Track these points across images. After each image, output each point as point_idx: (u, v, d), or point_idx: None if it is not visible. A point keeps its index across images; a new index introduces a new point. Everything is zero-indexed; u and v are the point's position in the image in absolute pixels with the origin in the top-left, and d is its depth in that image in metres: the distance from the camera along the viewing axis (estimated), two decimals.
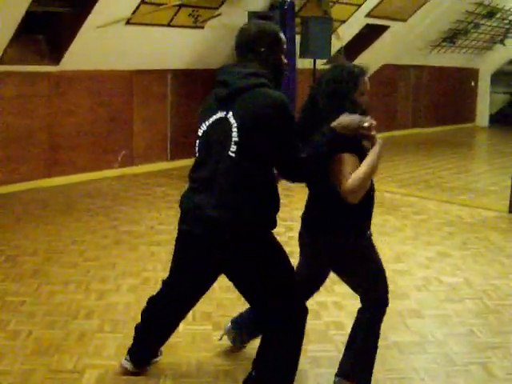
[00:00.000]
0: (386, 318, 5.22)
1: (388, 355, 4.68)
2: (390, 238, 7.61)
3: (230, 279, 3.87)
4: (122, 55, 10.35)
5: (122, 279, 6.09)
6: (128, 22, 9.74)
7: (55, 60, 9.86)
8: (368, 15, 13.28)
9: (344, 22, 12.97)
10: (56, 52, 9.83)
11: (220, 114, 3.64)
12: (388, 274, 6.23)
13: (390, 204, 9.17)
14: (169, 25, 10.21)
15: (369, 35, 14.38)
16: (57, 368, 4.43)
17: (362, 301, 4.16)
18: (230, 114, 3.60)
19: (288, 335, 3.81)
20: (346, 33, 13.26)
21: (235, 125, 3.57)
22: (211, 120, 3.67)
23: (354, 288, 4.17)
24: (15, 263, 6.53)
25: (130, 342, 4.76)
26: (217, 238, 3.63)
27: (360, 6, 12.75)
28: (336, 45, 12.80)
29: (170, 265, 4.12)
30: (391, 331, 5.05)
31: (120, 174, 10.85)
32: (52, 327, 5.06)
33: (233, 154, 3.56)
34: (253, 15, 10.46)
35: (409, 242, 7.44)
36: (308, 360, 4.59)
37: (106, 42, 9.83)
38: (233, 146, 3.56)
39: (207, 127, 3.69)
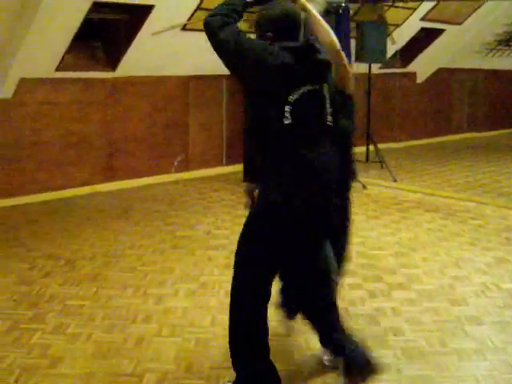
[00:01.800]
0: (444, 325, 5.21)
1: (447, 362, 4.62)
2: (447, 243, 7.53)
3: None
4: (177, 61, 10.42)
5: (179, 284, 6.12)
6: (184, 28, 9.80)
7: (112, 66, 9.96)
8: (423, 19, 13.18)
9: (399, 25, 12.88)
10: (112, 58, 9.94)
11: (311, 87, 3.85)
12: (446, 279, 6.26)
13: (446, 209, 9.08)
14: None
15: (424, 39, 14.28)
16: (116, 371, 4.47)
17: None
18: (324, 87, 3.92)
19: None
20: (400, 37, 13.17)
21: (328, 97, 3.93)
22: (301, 91, 3.81)
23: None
24: (74, 267, 6.61)
25: (188, 346, 4.83)
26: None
27: (415, 9, 12.65)
28: (391, 49, 12.75)
29: (231, 270, 4.14)
30: (450, 337, 5.01)
31: (176, 179, 10.91)
32: (111, 331, 5.11)
33: (330, 124, 3.95)
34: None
35: (466, 248, 7.36)
36: None
37: (162, 48, 9.90)
38: (328, 116, 3.93)
39: (300, 96, 3.80)
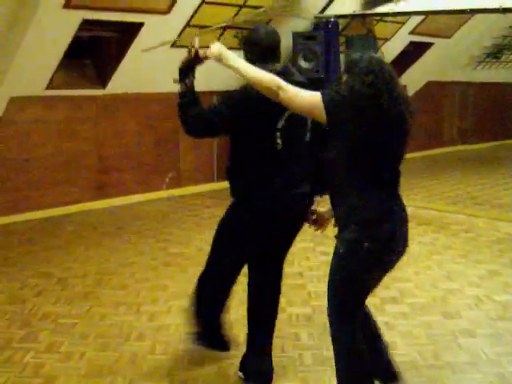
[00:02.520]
0: (437, 338, 5.22)
1: (441, 375, 4.62)
2: (440, 256, 7.55)
3: None
4: (168, 78, 10.36)
5: (172, 301, 6.11)
6: (173, 45, 9.82)
7: (102, 84, 9.97)
8: (412, 32, 13.23)
9: (388, 39, 12.94)
10: (103, 76, 9.95)
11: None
12: (439, 292, 6.27)
13: (438, 222, 9.09)
14: None
15: (413, 52, 14.33)
16: None
17: None
18: None
19: None
20: (390, 50, 13.21)
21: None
22: (286, 115, 4.11)
23: None
24: (66, 286, 6.59)
25: (181, 363, 4.81)
26: None
27: (404, 23, 12.70)
28: None
29: None
30: (443, 351, 5.01)
31: (167, 196, 10.91)
32: (104, 349, 5.09)
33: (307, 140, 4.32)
34: (297, 35, 10.49)
35: (459, 261, 7.37)
36: None
37: (152, 65, 9.91)
38: (308, 133, 4.29)
39: (285, 121, 4.14)
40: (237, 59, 3.82)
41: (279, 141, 4.15)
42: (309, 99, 3.67)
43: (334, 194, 3.88)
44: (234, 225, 4.49)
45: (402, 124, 3.67)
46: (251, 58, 4.16)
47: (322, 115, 3.63)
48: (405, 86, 14.97)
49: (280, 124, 4.13)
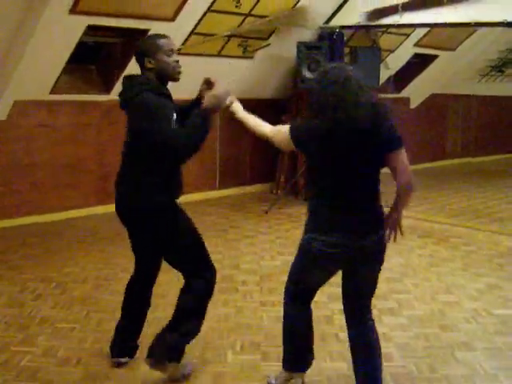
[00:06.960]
0: (434, 350, 5.21)
1: None
2: (439, 268, 7.55)
3: None
4: (171, 85, 10.40)
5: (171, 308, 6.04)
6: (179, 52, 9.83)
7: (106, 89, 9.98)
8: (417, 44, 13.25)
9: (393, 51, 12.96)
10: (107, 81, 9.96)
11: None
12: (437, 305, 6.26)
13: (439, 234, 9.09)
14: (219, 55, 10.32)
15: (418, 64, 14.35)
16: None
17: None
18: None
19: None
20: (394, 62, 13.25)
21: None
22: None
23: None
24: (65, 290, 6.60)
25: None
26: None
27: (408, 35, 12.73)
28: (385, 74, 12.81)
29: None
30: (440, 364, 5.01)
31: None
32: (101, 354, 5.08)
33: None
34: (302, 45, 10.51)
35: (458, 274, 7.37)
36: None
37: None
38: None
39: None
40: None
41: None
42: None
43: None
44: None
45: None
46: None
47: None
48: (408, 99, 15.09)
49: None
